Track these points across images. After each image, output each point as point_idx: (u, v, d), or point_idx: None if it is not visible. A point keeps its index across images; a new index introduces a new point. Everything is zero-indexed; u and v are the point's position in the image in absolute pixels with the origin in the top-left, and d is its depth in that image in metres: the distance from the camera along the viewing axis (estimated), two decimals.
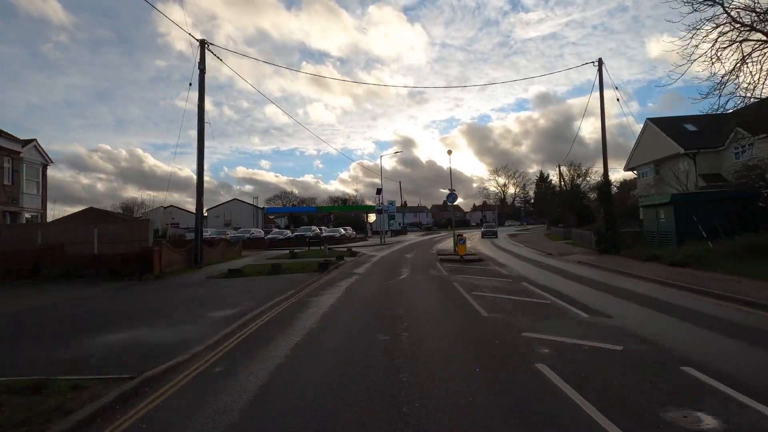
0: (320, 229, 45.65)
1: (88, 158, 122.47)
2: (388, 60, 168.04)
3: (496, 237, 45.62)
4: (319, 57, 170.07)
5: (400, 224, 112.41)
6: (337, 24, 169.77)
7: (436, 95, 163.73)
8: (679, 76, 22.40)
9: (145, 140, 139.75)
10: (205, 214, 62.62)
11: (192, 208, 69.69)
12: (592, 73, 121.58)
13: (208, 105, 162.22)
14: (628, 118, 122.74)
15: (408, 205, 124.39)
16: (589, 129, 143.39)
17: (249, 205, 62.53)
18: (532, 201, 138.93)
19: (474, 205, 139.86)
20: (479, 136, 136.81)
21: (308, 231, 42.25)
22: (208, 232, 43.92)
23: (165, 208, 60.51)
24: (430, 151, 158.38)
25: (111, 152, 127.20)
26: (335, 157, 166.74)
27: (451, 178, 27.59)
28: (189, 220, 60.54)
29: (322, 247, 30.08)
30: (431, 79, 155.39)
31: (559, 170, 53.12)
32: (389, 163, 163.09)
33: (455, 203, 28.43)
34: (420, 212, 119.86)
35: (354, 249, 28.79)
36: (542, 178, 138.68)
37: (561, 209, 54.28)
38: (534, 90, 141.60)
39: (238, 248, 28.91)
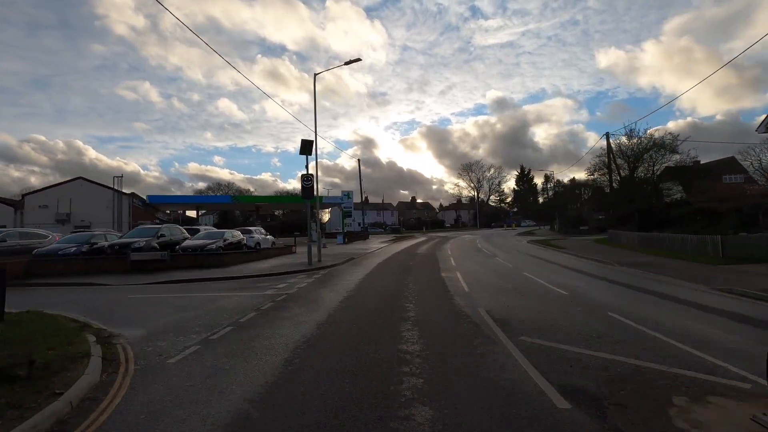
0: (193, 232, 22.21)
1: (18, 149, 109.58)
2: (347, 57, 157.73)
3: None
4: (275, 50, 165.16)
5: (360, 224, 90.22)
6: (294, 16, 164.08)
7: (397, 97, 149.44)
8: None
9: (87, 132, 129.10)
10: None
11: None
12: (547, 82, 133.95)
13: (154, 96, 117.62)
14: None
15: (369, 202, 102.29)
16: (542, 135, 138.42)
17: (105, 189, 37.56)
18: (509, 200, 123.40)
19: (441, 205, 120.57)
20: (438, 139, 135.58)
21: (148, 235, 18.85)
22: None
23: None
24: (390, 152, 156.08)
25: (46, 143, 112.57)
26: (294, 155, 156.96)
27: None
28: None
29: None
30: (392, 81, 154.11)
31: (608, 144, 32.87)
32: (349, 163, 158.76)
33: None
34: (384, 210, 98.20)
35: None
36: (522, 175, 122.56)
37: (616, 202, 34.14)
38: (492, 95, 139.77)
39: None
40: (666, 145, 30.68)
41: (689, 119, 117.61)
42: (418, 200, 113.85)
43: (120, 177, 37.71)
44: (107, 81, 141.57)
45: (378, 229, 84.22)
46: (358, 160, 41.49)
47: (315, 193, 19.41)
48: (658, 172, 32.09)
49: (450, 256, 22.08)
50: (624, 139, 32.77)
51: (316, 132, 19.91)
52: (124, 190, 38.31)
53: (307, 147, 18.10)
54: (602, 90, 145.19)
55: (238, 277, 14.16)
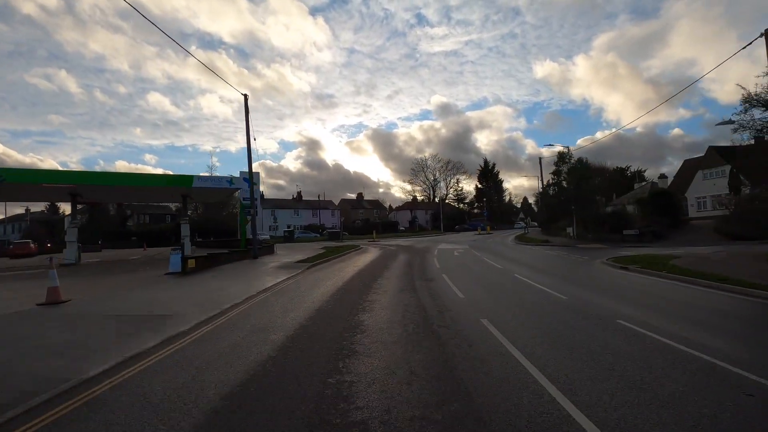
0: None
1: None
2: (289, 54, 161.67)
3: None
4: (210, 42, 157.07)
5: (291, 227, 68.01)
6: (231, 7, 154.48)
7: (344, 100, 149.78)
8: None
9: None
10: None
11: None
12: (488, 91, 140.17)
13: (72, 86, 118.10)
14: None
15: (304, 199, 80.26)
16: (484, 141, 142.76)
17: None
18: (468, 200, 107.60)
19: (390, 207, 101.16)
20: (385, 142, 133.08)
21: None
22: None
23: None
24: (337, 154, 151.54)
25: None
26: (234, 155, 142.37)
27: None
28: None
29: None
30: (339, 83, 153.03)
31: None
32: (293, 164, 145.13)
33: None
34: (322, 210, 76.44)
35: None
36: (486, 170, 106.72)
37: None
38: (436, 100, 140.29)
39: None
40: None
41: (614, 130, 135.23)
42: (367, 198, 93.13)
43: None
44: (20, 68, 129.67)
45: (311, 234, 62.56)
46: (245, 96, 19.24)
47: None
48: None
49: None
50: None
51: None
52: None
53: None
54: (538, 101, 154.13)
55: None
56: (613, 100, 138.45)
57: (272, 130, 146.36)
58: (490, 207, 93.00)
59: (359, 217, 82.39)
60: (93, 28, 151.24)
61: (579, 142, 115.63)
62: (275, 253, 25.25)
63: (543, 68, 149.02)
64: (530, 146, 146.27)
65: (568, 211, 34.11)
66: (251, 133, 21.00)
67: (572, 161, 33.27)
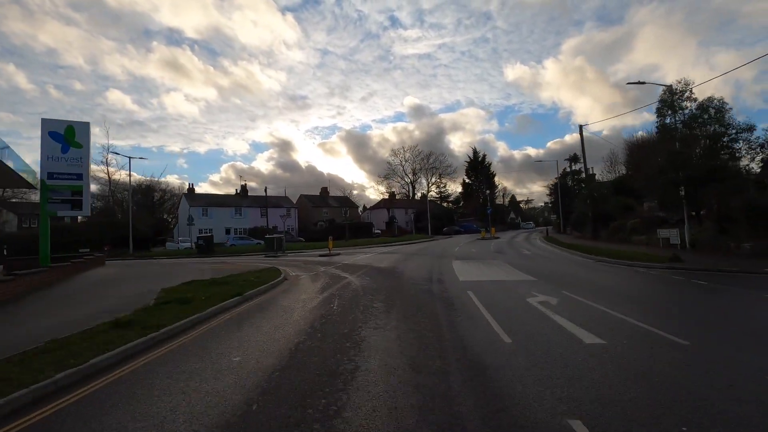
0: None
1: None
2: (257, 51, 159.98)
3: None
4: (172, 37, 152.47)
5: (233, 233, 50.66)
6: (195, 1, 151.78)
7: (318, 101, 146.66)
8: None
9: None
10: None
11: None
12: (461, 94, 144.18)
13: (23, 82, 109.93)
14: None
15: (250, 195, 62.62)
16: (458, 143, 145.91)
17: None
18: (452, 198, 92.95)
19: (363, 206, 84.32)
20: (358, 143, 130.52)
21: None
22: None
23: None
24: (309, 155, 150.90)
25: None
26: (203, 156, 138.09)
27: None
28: None
29: None
30: (313, 85, 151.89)
31: None
32: (265, 166, 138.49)
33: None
34: (277, 208, 58.63)
35: None
36: (475, 162, 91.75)
37: None
38: (410, 102, 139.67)
39: None
40: None
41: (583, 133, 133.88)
42: (334, 194, 75.78)
43: None
44: None
45: (252, 241, 45.35)
46: None
47: None
48: None
49: None
50: None
51: None
52: None
53: None
54: (509, 104, 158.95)
55: None
56: (582, 103, 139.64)
57: (243, 131, 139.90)
58: (485, 205, 77.22)
59: (323, 217, 65.33)
60: (42, 19, 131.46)
61: (549, 144, 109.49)
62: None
63: (514, 71, 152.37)
64: (502, 149, 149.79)
65: (675, 198, 18.59)
66: None
67: (690, 107, 17.72)
